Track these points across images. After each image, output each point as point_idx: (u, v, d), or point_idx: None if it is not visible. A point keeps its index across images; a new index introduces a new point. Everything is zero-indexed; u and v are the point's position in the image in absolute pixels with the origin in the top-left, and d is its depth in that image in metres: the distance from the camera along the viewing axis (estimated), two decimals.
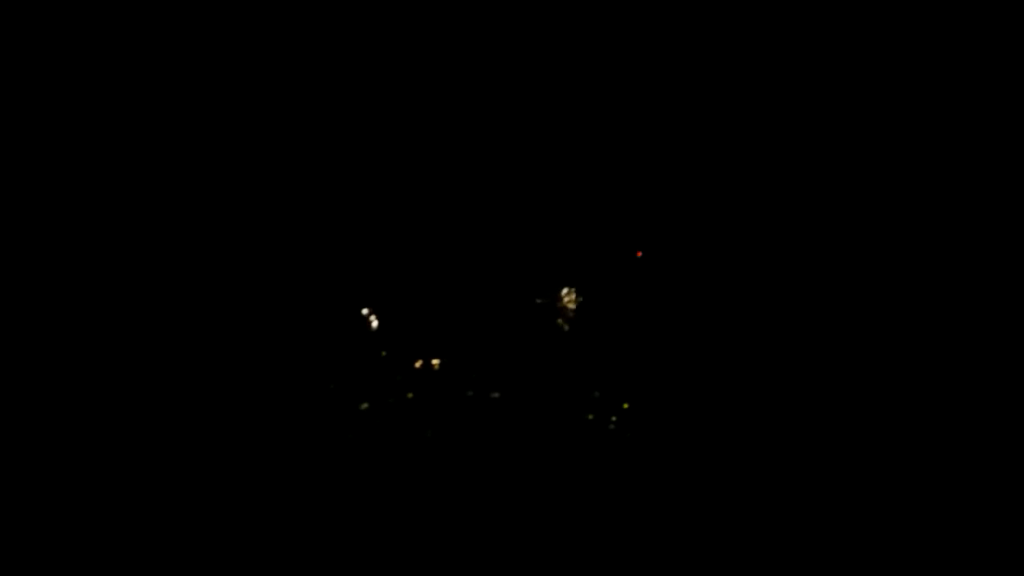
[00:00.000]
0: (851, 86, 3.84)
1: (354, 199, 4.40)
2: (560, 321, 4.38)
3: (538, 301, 4.34)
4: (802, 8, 3.76)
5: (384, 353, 4.19)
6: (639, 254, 4.10)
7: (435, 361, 4.28)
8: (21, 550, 3.84)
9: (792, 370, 3.98)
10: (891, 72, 3.79)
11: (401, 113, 4.35)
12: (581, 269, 4.36)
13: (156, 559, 3.93)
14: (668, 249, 4.19)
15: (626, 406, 4.23)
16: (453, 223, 4.39)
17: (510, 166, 4.38)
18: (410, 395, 4.18)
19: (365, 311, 4.29)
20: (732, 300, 4.07)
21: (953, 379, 3.78)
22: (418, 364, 4.24)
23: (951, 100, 3.79)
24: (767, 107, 3.95)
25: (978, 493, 3.66)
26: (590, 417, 4.26)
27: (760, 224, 4.06)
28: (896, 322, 3.88)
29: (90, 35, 4.03)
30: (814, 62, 3.86)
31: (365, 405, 4.14)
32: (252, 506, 4.03)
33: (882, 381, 3.93)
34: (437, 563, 4.01)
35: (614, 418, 4.23)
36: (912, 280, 3.83)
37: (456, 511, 4.09)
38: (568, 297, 4.33)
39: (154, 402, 4.11)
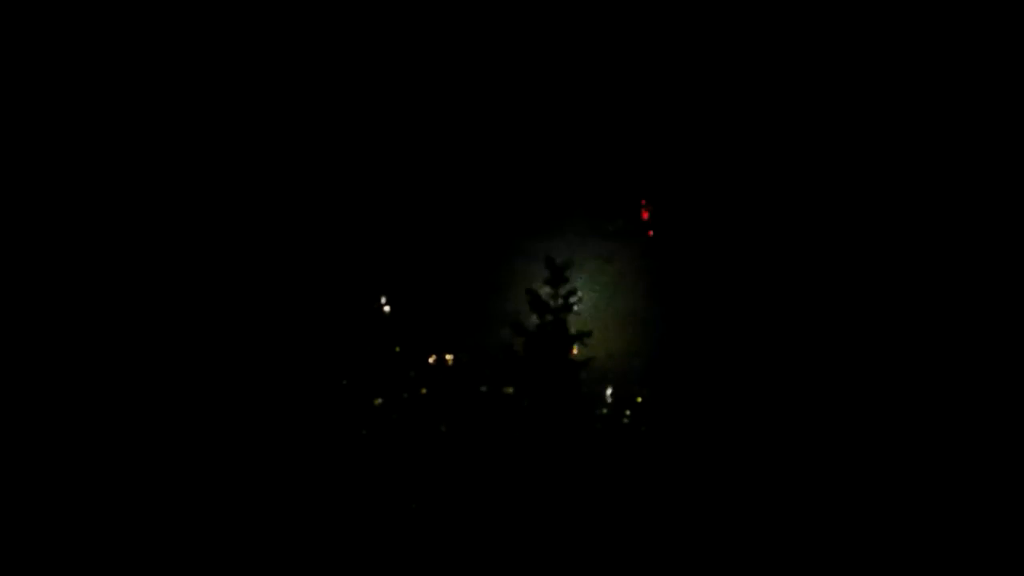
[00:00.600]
0: (855, 84, 3.87)
1: (368, 198, 4.39)
2: (572, 316, 4.39)
3: (550, 296, 4.35)
4: (804, 7, 3.78)
5: (398, 349, 4.18)
6: (650, 234, 4.14)
7: (448, 356, 4.26)
8: (21, 550, 3.76)
9: (805, 364, 3.99)
10: (892, 71, 3.82)
11: (416, 112, 4.35)
12: (593, 264, 4.37)
13: (167, 554, 3.85)
14: (682, 245, 4.21)
15: (640, 400, 4.23)
16: (466, 221, 4.39)
17: (522, 163, 4.39)
18: (424, 390, 4.16)
19: (378, 308, 4.27)
20: (745, 297, 4.09)
21: (966, 374, 3.78)
22: (432, 359, 4.23)
23: (951, 100, 3.82)
24: (776, 102, 3.97)
25: (978, 493, 3.65)
26: (604, 411, 4.26)
27: (771, 221, 4.09)
28: (903, 315, 3.90)
29: (94, 36, 3.99)
30: (820, 58, 3.89)
31: (379, 400, 4.11)
32: (266, 499, 3.97)
33: (891, 372, 3.96)
34: (452, 555, 3.96)
35: (628, 412, 4.23)
36: (922, 276, 3.85)
37: (471, 504, 4.05)
38: (580, 293, 4.34)
39: (169, 398, 4.05)
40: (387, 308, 4.14)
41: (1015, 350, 3.72)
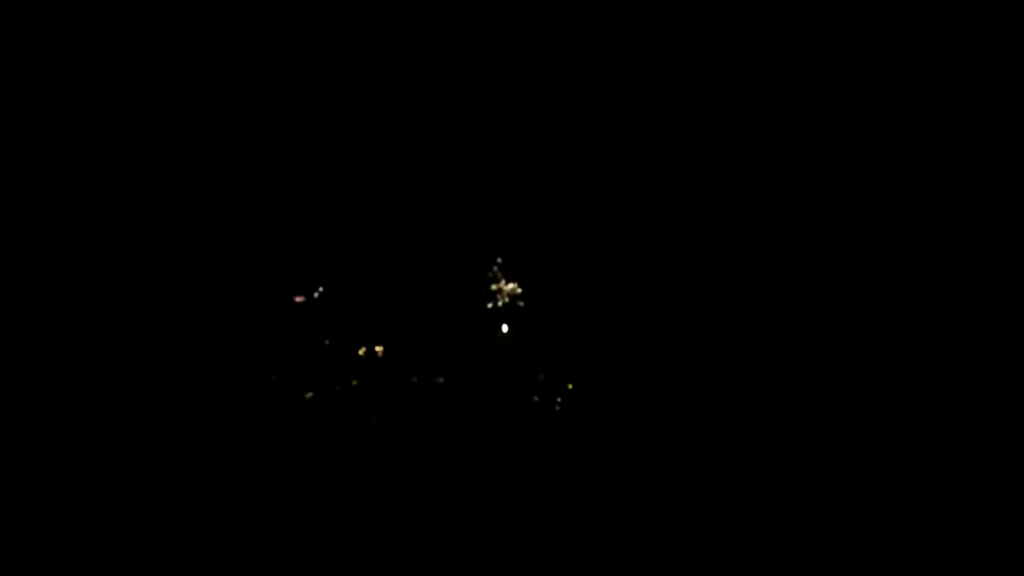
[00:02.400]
0: (850, 87, 3.83)
1: (298, 190, 4.35)
2: (502, 305, 4.41)
3: (480, 286, 4.36)
4: (802, 8, 3.72)
5: (327, 342, 4.15)
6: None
7: (379, 348, 4.25)
8: (21, 550, 3.76)
9: (745, 361, 4.02)
10: (891, 72, 3.79)
11: (354, 110, 4.30)
12: (524, 253, 4.38)
13: (119, 554, 3.84)
14: (609, 231, 4.24)
15: (571, 387, 4.27)
16: (397, 212, 4.37)
17: (452, 156, 4.38)
18: (355, 382, 4.15)
19: (306, 299, 4.24)
20: (687, 292, 4.11)
21: (951, 379, 3.79)
22: (362, 351, 4.21)
23: (951, 100, 3.78)
24: (760, 107, 3.95)
25: (978, 493, 3.67)
26: (535, 399, 4.30)
27: (719, 225, 4.10)
28: (882, 321, 3.92)
29: (92, 36, 3.92)
30: (813, 62, 3.84)
31: (310, 394, 4.10)
32: (200, 496, 3.96)
33: (848, 368, 3.96)
34: (386, 547, 3.99)
35: (559, 399, 4.27)
36: (904, 280, 3.86)
37: (403, 496, 4.08)
38: (511, 284, 4.35)
39: (99, 395, 4.00)
40: (318, 295, 4.10)
41: (1015, 350, 3.68)
